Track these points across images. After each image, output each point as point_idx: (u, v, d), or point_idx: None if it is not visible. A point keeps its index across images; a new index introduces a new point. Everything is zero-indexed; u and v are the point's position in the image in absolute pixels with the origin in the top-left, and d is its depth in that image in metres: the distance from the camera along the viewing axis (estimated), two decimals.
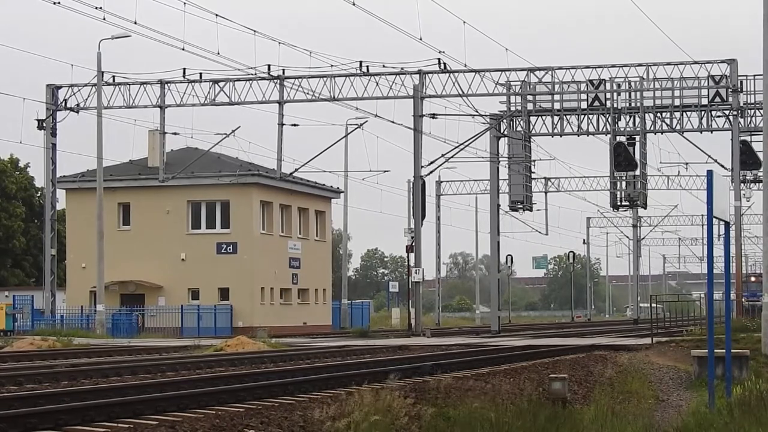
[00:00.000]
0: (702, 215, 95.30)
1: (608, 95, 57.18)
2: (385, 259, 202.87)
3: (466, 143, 59.09)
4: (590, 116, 57.88)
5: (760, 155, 38.98)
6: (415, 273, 59.19)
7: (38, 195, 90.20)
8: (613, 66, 57.00)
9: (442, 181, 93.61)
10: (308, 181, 72.00)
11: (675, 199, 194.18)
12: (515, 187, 60.23)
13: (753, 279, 79.69)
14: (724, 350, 23.39)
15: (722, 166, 57.95)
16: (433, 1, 46.52)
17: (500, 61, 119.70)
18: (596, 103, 57.29)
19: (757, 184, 61.30)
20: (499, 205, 61.17)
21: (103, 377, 24.77)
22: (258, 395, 19.51)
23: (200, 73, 58.68)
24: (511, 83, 58.00)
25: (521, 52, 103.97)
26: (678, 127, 57.45)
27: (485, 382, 23.36)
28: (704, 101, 56.47)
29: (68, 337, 44.74)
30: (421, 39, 50.40)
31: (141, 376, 24.52)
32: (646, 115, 57.20)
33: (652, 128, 57.85)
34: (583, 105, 57.51)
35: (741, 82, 56.07)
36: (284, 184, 67.51)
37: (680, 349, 34.18)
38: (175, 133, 60.73)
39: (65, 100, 61.36)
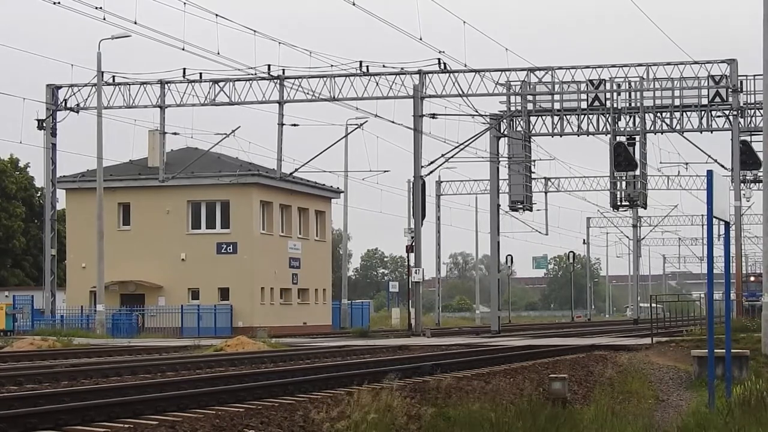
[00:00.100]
0: (702, 215, 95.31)
1: (608, 95, 57.19)
2: (385, 259, 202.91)
3: (466, 143, 59.14)
4: (590, 116, 57.88)
5: (760, 155, 38.98)
6: (415, 273, 59.19)
7: (38, 195, 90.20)
8: (613, 66, 57.01)
9: (442, 181, 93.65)
10: (308, 181, 72.00)
11: (675, 199, 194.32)
12: (515, 187, 60.24)
13: (752, 279, 79.70)
14: (724, 350, 23.39)
15: (722, 166, 57.99)
16: (433, 1, 46.56)
17: (500, 61, 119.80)
18: (596, 103, 57.29)
19: (757, 184, 61.30)
20: (499, 205, 61.18)
21: (103, 377, 24.77)
22: (258, 395, 19.50)
23: (200, 73, 58.69)
24: (511, 83, 58.02)
25: (521, 52, 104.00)
26: (678, 127, 57.45)
27: (485, 382, 23.37)
28: (704, 101, 56.47)
29: (68, 337, 44.74)
30: (421, 39, 50.45)
31: (141, 376, 24.52)
32: (646, 115, 57.20)
33: (652, 128, 57.86)
34: (583, 105, 57.52)
35: (741, 82, 56.07)
36: (284, 184, 67.51)
37: (680, 349, 34.18)
38: (175, 133, 60.81)
39: (65, 100, 61.36)
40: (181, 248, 67.78)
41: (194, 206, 68.52)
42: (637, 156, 57.24)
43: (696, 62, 56.63)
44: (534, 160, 61.28)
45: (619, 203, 58.46)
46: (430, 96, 57.48)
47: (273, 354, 33.89)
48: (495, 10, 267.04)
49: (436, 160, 59.51)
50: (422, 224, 59.54)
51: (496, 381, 23.68)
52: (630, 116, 57.53)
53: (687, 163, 70.11)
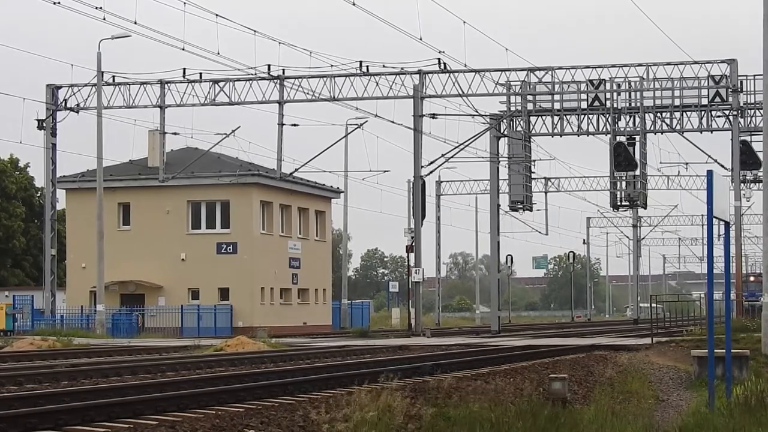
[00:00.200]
0: (702, 215, 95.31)
1: (608, 95, 57.19)
2: (385, 259, 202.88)
3: (466, 143, 59.14)
4: (590, 116, 57.89)
5: (760, 155, 38.98)
6: (415, 273, 59.19)
7: (38, 195, 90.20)
8: (613, 66, 57.01)
9: (442, 181, 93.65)
10: (308, 181, 72.00)
11: (675, 199, 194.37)
12: (515, 187, 60.24)
13: (752, 279, 79.67)
14: (724, 350, 23.39)
15: (722, 166, 57.99)
16: (433, 1, 46.56)
17: (500, 61, 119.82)
18: (596, 103, 57.30)
19: (757, 184, 61.30)
20: (499, 205, 61.18)
21: (103, 377, 24.77)
22: (258, 395, 19.51)
23: (200, 73, 58.70)
24: (511, 83, 58.02)
25: (521, 52, 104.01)
26: (678, 127, 57.45)
27: (485, 382, 23.36)
28: (704, 101, 56.47)
29: (68, 337, 44.74)
30: (421, 39, 50.46)
31: (141, 376, 24.52)
32: (646, 115, 57.20)
33: (652, 128, 57.86)
34: (583, 105, 57.52)
35: (741, 82, 56.07)
36: (284, 184, 67.51)
37: (680, 349, 34.18)
38: (175, 133, 60.81)
39: (65, 100, 61.37)
40: (181, 248, 67.78)
41: (194, 206, 68.52)
42: (637, 156, 57.24)
43: (696, 62, 56.64)
44: (534, 160, 61.32)
45: (619, 203, 58.46)
46: (430, 96, 57.48)
47: (273, 354, 33.89)
48: (495, 10, 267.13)
49: (436, 160, 59.58)
50: (422, 224, 59.55)
51: (496, 381, 23.68)
52: (630, 116, 57.53)
53: (687, 163, 70.17)
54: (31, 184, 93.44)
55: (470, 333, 63.00)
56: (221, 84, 58.88)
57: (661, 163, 68.33)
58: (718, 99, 56.16)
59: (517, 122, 59.01)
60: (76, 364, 29.75)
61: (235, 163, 68.93)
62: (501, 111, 59.01)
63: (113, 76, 59.35)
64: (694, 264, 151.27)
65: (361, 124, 62.60)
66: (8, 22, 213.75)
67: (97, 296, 55.95)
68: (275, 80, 57.57)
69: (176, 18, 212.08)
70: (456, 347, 38.12)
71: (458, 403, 19.91)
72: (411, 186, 61.53)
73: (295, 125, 58.97)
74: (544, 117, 58.31)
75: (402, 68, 57.26)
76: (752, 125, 58.84)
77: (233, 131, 59.36)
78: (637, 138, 57.40)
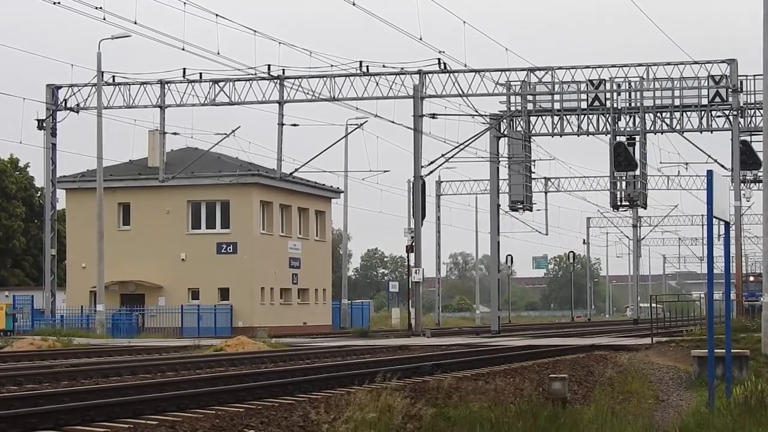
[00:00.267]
0: (702, 215, 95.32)
1: (608, 95, 57.19)
2: (385, 259, 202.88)
3: (466, 143, 59.14)
4: (590, 116, 57.89)
5: (760, 155, 38.98)
6: (415, 273, 59.19)
7: (38, 195, 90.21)
8: (613, 66, 57.01)
9: (442, 181, 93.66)
10: (308, 181, 72.00)
11: (675, 199, 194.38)
12: (515, 187, 60.24)
13: (752, 279, 79.64)
14: (724, 350, 23.39)
15: (722, 166, 57.99)
16: (433, 1, 46.57)
17: (500, 61, 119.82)
18: (596, 103, 57.30)
19: (757, 184, 61.31)
20: (499, 205, 61.18)
21: (103, 377, 24.77)
22: (258, 395, 19.51)
23: (200, 73, 58.70)
24: (511, 83, 58.02)
25: (521, 52, 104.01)
26: (678, 127, 57.46)
27: (485, 382, 23.36)
28: (704, 101, 56.48)
29: (68, 337, 44.75)
30: (421, 39, 50.46)
31: (141, 376, 24.52)
32: (646, 115, 57.20)
33: (652, 128, 57.86)
34: (583, 105, 57.53)
35: (741, 82, 56.08)
36: (284, 184, 67.51)
37: (680, 349, 34.18)
38: (175, 133, 60.82)
39: (65, 100, 61.37)
40: (181, 248, 67.78)
41: (194, 206, 68.52)
42: (637, 156, 57.24)
43: (696, 62, 56.64)
44: (534, 160, 61.33)
45: (619, 203, 58.47)
46: (430, 96, 57.48)
47: (273, 354, 33.89)
48: (495, 10, 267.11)
49: (436, 160, 59.58)
50: (422, 224, 59.55)
51: (496, 381, 23.68)
52: (630, 116, 57.54)
53: (687, 163, 70.17)
54: (31, 184, 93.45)
55: (470, 333, 63.00)
56: (221, 84, 58.89)
57: (661, 163, 68.42)
58: (718, 99, 56.16)
59: (517, 122, 59.01)
60: (76, 364, 29.75)
61: (235, 163, 68.93)
62: (501, 111, 59.02)
63: (113, 76, 59.39)
64: (694, 264, 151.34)
65: (361, 124, 62.66)
66: (8, 22, 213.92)
67: (97, 296, 55.95)
68: (275, 80, 57.57)
69: (176, 18, 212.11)
70: (456, 347, 38.12)
71: (458, 403, 19.91)
72: (411, 186, 61.54)
73: (295, 125, 59.02)
74: (544, 117, 58.31)
75: (402, 68, 57.29)
76: (752, 125, 58.84)
77: (233, 131, 59.44)
78: (637, 138, 57.41)
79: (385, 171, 69.55)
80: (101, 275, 54.86)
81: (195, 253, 67.51)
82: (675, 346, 35.20)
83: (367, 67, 57.04)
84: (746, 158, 57.40)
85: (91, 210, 59.91)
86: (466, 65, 55.69)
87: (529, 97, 57.98)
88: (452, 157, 59.47)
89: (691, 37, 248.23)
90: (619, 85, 57.20)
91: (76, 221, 68.38)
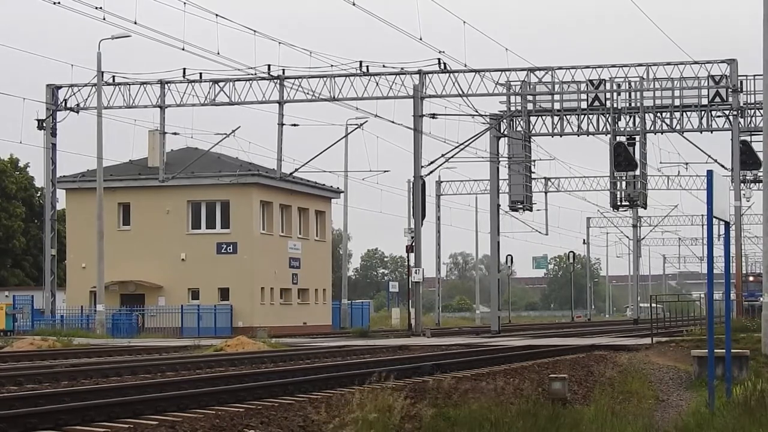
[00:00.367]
0: (702, 215, 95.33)
1: (608, 95, 57.19)
2: (385, 259, 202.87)
3: (466, 143, 59.14)
4: (590, 116, 57.89)
5: (760, 155, 38.99)
6: (415, 273, 59.19)
7: (38, 195, 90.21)
8: (613, 66, 57.02)
9: (442, 181, 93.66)
10: (308, 181, 72.00)
11: (675, 199, 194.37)
12: (515, 187, 60.24)
13: (751, 279, 79.61)
14: (724, 350, 23.39)
15: (722, 166, 57.99)
16: (433, 1, 46.57)
17: (500, 61, 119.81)
18: (596, 103, 57.30)
19: (757, 184, 61.31)
20: (499, 205, 61.18)
21: (103, 377, 24.77)
22: (258, 395, 19.51)
23: (200, 73, 58.70)
24: (511, 83, 58.02)
25: (521, 52, 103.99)
26: (678, 127, 57.46)
27: (485, 382, 23.36)
28: (704, 101, 56.48)
29: (68, 337, 44.75)
30: (421, 39, 50.46)
31: (141, 376, 24.53)
32: (646, 115, 57.20)
33: (652, 128, 57.87)
34: (583, 105, 57.53)
35: (741, 82, 56.08)
36: (284, 184, 67.52)
37: (680, 349, 34.18)
38: (175, 133, 60.83)
39: (65, 100, 61.37)
40: (181, 248, 67.78)
41: (194, 206, 68.53)
42: (637, 156, 57.24)
43: (696, 62, 56.64)
44: (534, 160, 61.32)
45: (619, 203, 58.47)
46: (430, 96, 57.49)
47: (273, 354, 33.89)
48: (495, 10, 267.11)
49: (436, 160, 59.59)
50: (422, 224, 59.56)
51: (496, 381, 23.67)
52: (630, 116, 57.54)
53: (687, 163, 70.18)
54: (31, 184, 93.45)
55: (470, 333, 63.00)
56: (221, 84, 58.89)
57: (661, 163, 68.42)
58: (718, 99, 56.16)
59: (517, 122, 59.01)
60: (76, 364, 29.75)
61: (235, 163, 68.93)
62: (501, 111, 59.02)
63: (113, 76, 59.39)
64: (694, 264, 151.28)
65: (361, 124, 62.67)
66: (8, 22, 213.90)
67: (97, 296, 55.95)
68: (275, 80, 57.57)
69: (176, 18, 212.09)
70: (456, 347, 38.12)
71: (458, 403, 19.91)
72: (411, 186, 61.54)
73: (295, 125, 59.03)
74: (544, 117, 58.31)
75: (402, 68, 57.29)
76: (752, 125, 58.84)
77: (233, 131, 59.44)
78: (637, 138, 57.41)
79: (385, 171, 69.65)
80: (101, 275, 54.86)
81: (195, 253, 67.51)
82: (675, 346, 35.20)
83: (367, 67, 57.06)
84: (746, 158, 57.40)
85: (91, 210, 59.91)
86: (466, 65, 55.73)
87: (529, 97, 57.98)
88: (452, 157, 59.51)
89: (691, 37, 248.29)
90: (619, 85, 57.20)
91: (76, 221, 68.39)
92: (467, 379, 23.58)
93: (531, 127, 58.85)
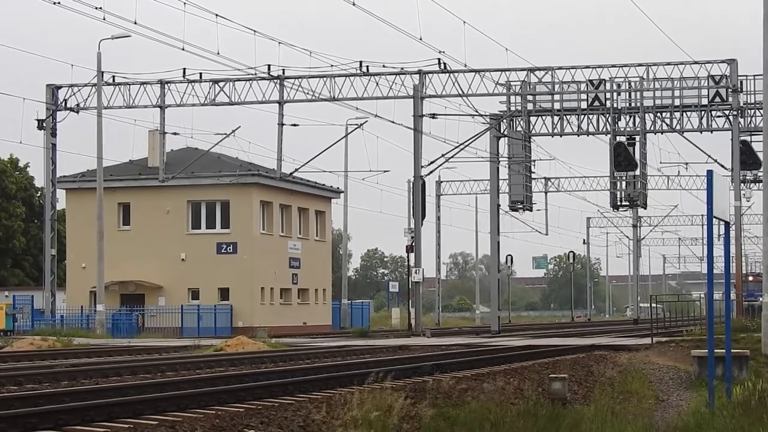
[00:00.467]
0: (702, 215, 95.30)
1: (608, 95, 57.19)
2: (385, 259, 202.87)
3: (466, 143, 59.14)
4: (590, 116, 57.89)
5: (760, 155, 38.99)
6: (415, 273, 59.18)
7: (38, 195, 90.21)
8: (613, 66, 57.01)
9: (442, 181, 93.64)
10: (308, 181, 72.00)
11: (675, 199, 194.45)
12: (515, 187, 60.24)
13: (751, 279, 79.57)
14: (724, 350, 23.39)
15: (722, 166, 57.99)
16: (433, 1, 46.57)
17: (500, 61, 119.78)
18: (596, 103, 57.30)
19: (757, 184, 61.32)
20: (499, 205, 61.17)
21: (103, 377, 24.77)
22: (258, 395, 19.51)
23: (200, 73, 58.70)
24: (511, 83, 58.01)
25: (521, 52, 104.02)
26: (678, 127, 57.46)
27: (485, 382, 23.36)
28: (704, 101, 56.48)
29: (68, 337, 44.74)
30: (421, 39, 50.46)
31: (141, 376, 24.52)
32: (646, 115, 57.20)
33: (652, 128, 57.86)
34: (583, 105, 57.52)
35: (741, 82, 56.08)
36: (284, 184, 67.51)
37: (680, 349, 34.18)
38: (175, 133, 60.81)
39: (65, 100, 61.37)
40: (181, 248, 67.78)
41: (194, 206, 68.53)
42: (637, 156, 57.24)
43: (696, 62, 56.64)
44: (534, 160, 61.31)
45: (619, 203, 58.47)
46: (430, 96, 57.48)
47: (273, 354, 33.88)
48: (495, 10, 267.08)
49: (436, 160, 59.58)
50: (422, 224, 59.55)
51: (496, 381, 23.67)
52: (630, 116, 57.53)
53: (687, 163, 70.18)
54: (31, 184, 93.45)
55: (470, 333, 62.99)
56: (221, 84, 58.89)
57: (661, 163, 68.41)
58: (718, 99, 56.16)
59: (517, 122, 59.01)
60: (76, 364, 29.75)
61: (235, 163, 68.93)
62: (501, 111, 59.01)
63: (113, 76, 59.39)
64: (694, 264, 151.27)
65: (361, 124, 62.65)
66: (8, 22, 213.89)
67: (97, 296, 55.95)
68: (275, 80, 57.57)
69: (176, 18, 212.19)
70: (456, 347, 38.12)
71: (458, 403, 19.91)
72: (411, 186, 61.53)
73: (295, 125, 59.02)
74: (544, 117, 58.31)
75: (402, 68, 57.29)
76: (752, 125, 58.85)
77: (233, 131, 59.43)
78: (637, 138, 57.40)
79: (385, 171, 69.61)
80: (101, 275, 54.86)
81: (195, 253, 67.51)
82: (675, 346, 35.20)
83: (367, 67, 57.06)
84: (746, 158, 57.41)
85: (91, 210, 59.91)
86: (466, 65, 55.73)
87: (529, 97, 57.98)
88: (452, 157, 59.51)
89: (691, 37, 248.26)
90: (619, 85, 57.20)
91: (76, 221, 68.39)
92: (467, 379, 23.57)
93: (531, 127, 58.85)
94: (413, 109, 57.61)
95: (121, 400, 17.17)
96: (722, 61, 56.17)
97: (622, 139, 57.40)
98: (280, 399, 19.44)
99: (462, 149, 59.03)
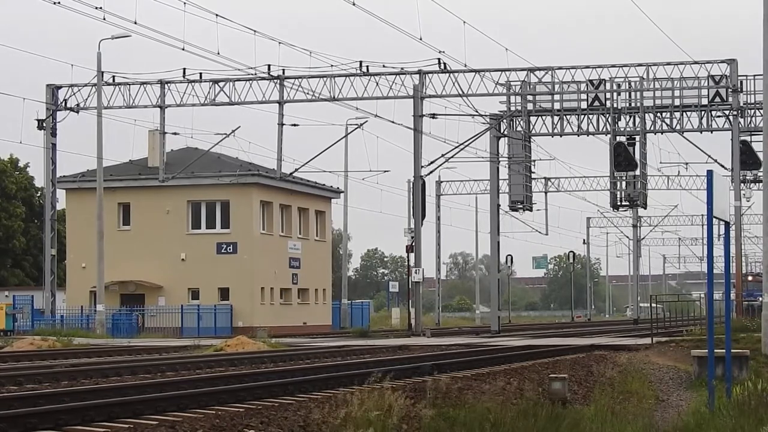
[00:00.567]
0: (702, 215, 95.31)
1: (608, 95, 57.18)
2: (385, 259, 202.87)
3: (466, 143, 59.13)
4: (590, 116, 57.88)
5: (760, 155, 38.99)
6: (415, 273, 59.18)
7: (38, 195, 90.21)
8: (613, 66, 57.01)
9: (442, 181, 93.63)
10: (308, 181, 72.00)
11: (675, 199, 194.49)
12: (515, 187, 60.23)
13: (750, 278, 79.54)
14: (724, 350, 23.39)
15: (722, 166, 57.99)
16: (433, 1, 46.57)
17: (500, 61, 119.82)
18: (596, 103, 57.29)
19: (757, 184, 61.31)
20: (499, 205, 61.17)
21: (103, 377, 24.76)
22: (258, 395, 19.50)
23: (200, 73, 58.69)
24: (511, 83, 58.01)
25: (521, 52, 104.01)
26: (678, 127, 57.46)
27: (485, 382, 23.35)
28: (704, 101, 56.47)
29: (68, 337, 44.73)
30: (421, 39, 50.46)
31: (141, 376, 24.52)
32: (646, 115, 57.20)
33: (652, 128, 57.86)
34: (583, 105, 57.52)
35: (741, 82, 56.07)
36: (284, 184, 67.51)
37: (680, 349, 34.17)
38: (175, 133, 60.82)
39: (65, 100, 61.37)
40: (181, 248, 67.78)
41: (194, 206, 68.53)
42: (637, 156, 57.24)
43: (696, 62, 56.64)
44: (534, 160, 61.30)
45: (619, 203, 58.46)
46: (430, 96, 57.48)
47: (273, 354, 33.88)
48: (495, 10, 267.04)
49: (436, 160, 59.57)
50: (422, 224, 59.55)
51: (496, 381, 23.67)
52: (630, 116, 57.53)
53: (687, 163, 70.17)
54: (31, 184, 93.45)
55: (470, 333, 62.99)
56: (221, 84, 58.89)
57: (661, 163, 68.41)
58: (718, 99, 56.16)
59: (517, 122, 59.00)
60: (76, 364, 29.74)
61: (235, 163, 68.93)
62: (501, 111, 59.01)
63: (113, 76, 59.38)
64: (694, 264, 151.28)
65: (361, 124, 62.65)
66: (8, 22, 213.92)
67: (97, 296, 55.95)
68: (275, 80, 57.57)
69: (176, 18, 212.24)
70: (456, 347, 38.11)
71: (458, 403, 19.91)
72: (411, 186, 61.52)
73: (295, 125, 59.02)
74: (544, 117, 58.30)
75: (402, 68, 57.28)
76: (752, 125, 58.84)
77: (233, 131, 59.43)
78: (637, 138, 57.40)
79: (385, 171, 69.61)
80: (101, 275, 54.86)
81: (195, 253, 67.51)
82: (675, 346, 35.20)
83: (367, 67, 57.06)
84: (746, 158, 57.40)
85: (91, 210, 59.91)
86: (466, 65, 55.73)
87: (529, 97, 57.97)
88: (452, 157, 59.51)
89: (691, 37, 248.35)
90: (619, 85, 57.19)
91: (76, 221, 68.39)
92: (467, 379, 23.57)
93: (531, 127, 58.84)
94: (413, 109, 57.60)
95: (121, 400, 17.16)
96: (722, 61, 56.17)
97: (622, 139, 57.39)
98: (280, 399, 19.43)
99: (462, 149, 59.06)
